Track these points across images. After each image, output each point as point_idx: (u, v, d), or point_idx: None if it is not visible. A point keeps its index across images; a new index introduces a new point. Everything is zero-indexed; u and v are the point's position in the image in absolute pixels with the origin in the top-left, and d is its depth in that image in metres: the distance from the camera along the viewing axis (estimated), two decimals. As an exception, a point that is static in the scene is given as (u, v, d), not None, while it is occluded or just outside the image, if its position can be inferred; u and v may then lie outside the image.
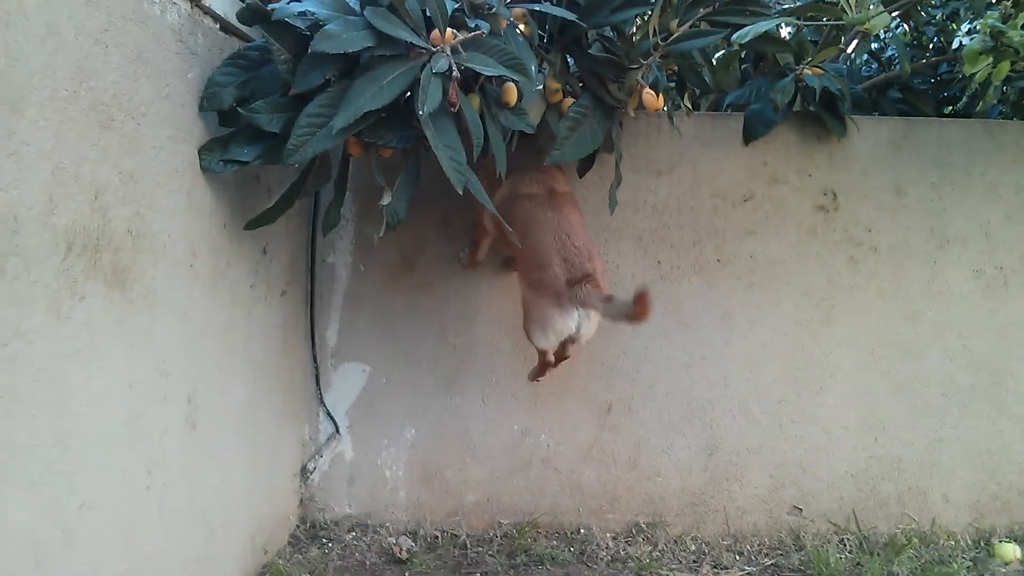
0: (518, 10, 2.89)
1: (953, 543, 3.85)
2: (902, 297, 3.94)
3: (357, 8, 2.47)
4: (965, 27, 3.59)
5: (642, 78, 3.12)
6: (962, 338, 3.95)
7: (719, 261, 3.93)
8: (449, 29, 2.51)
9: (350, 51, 2.39)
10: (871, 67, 5.33)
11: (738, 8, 3.12)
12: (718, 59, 3.96)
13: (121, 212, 2.22)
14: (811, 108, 3.82)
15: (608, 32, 3.15)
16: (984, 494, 3.99)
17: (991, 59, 3.26)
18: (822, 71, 3.75)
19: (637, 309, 3.01)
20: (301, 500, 3.97)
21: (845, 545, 3.86)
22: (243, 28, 2.79)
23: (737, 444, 3.97)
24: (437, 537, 3.87)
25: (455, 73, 2.43)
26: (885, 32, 5.08)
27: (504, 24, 2.69)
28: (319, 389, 3.95)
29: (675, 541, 3.86)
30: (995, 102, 4.02)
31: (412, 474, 3.99)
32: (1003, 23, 3.22)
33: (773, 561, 3.76)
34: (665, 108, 3.34)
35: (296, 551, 3.69)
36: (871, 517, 3.97)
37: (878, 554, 3.75)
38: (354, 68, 2.51)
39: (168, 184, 2.46)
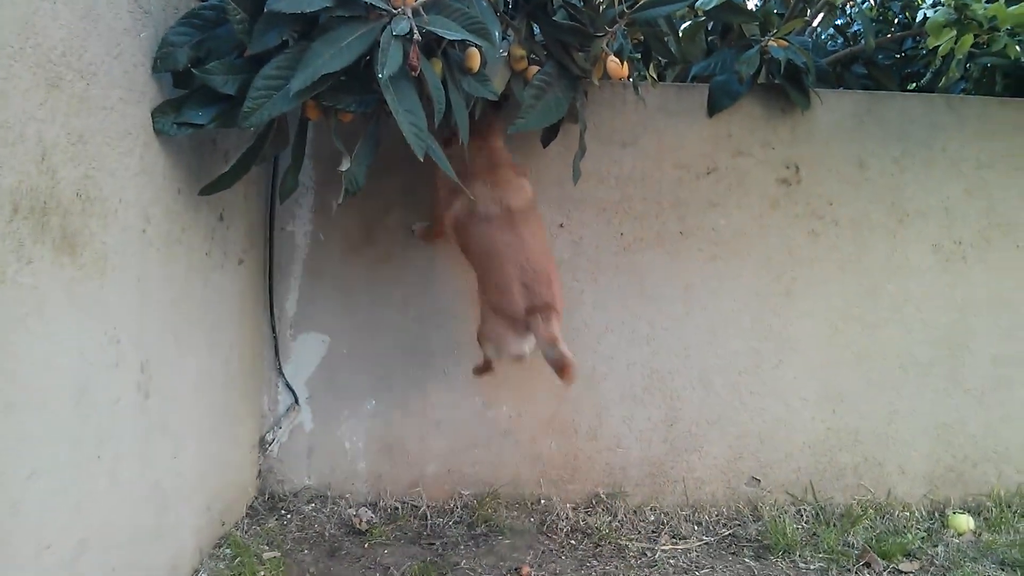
0: (482, -26, 2.83)
1: (908, 514, 3.91)
2: (862, 271, 3.97)
3: (316, -33, 2.40)
4: (930, 0, 3.59)
5: (607, 46, 3.09)
6: (921, 312, 3.99)
7: (682, 233, 3.93)
8: (411, -9, 2.46)
9: (308, 11, 2.33)
10: (836, 42, 5.34)
11: (704, -24, 3.09)
12: (684, 30, 3.94)
13: (70, 174, 2.15)
14: (776, 81, 3.81)
15: (573, -1, 3.11)
16: (939, 466, 4.06)
17: (955, 32, 3.27)
18: (787, 44, 3.74)
19: (561, 375, 3.12)
20: (259, 472, 3.92)
21: (802, 515, 3.90)
22: (198, -13, 2.71)
23: (697, 415, 3.99)
24: (397, 508, 3.86)
25: (416, 36, 2.37)
26: (851, 7, 5.09)
27: (467, -13, 2.64)
28: (278, 359, 3.90)
29: (634, 511, 3.88)
30: (959, 76, 4.04)
31: (372, 445, 3.96)
32: (967, -4, 3.23)
33: (731, 531, 3.79)
34: (631, 78, 3.30)
35: (254, 522, 3.65)
36: (828, 488, 4.02)
37: (834, 524, 3.80)
38: (312, 29, 2.44)
39: (120, 146, 2.39)
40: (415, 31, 2.36)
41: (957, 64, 3.81)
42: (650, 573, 3.38)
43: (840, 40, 5.33)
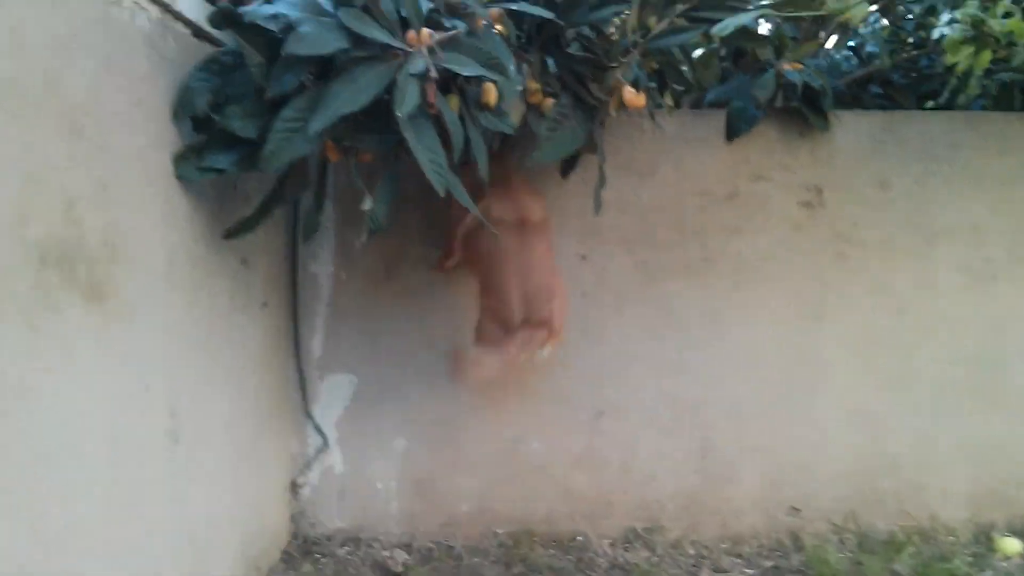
0: (495, 10, 2.84)
1: (953, 539, 3.82)
2: (892, 293, 3.92)
3: (330, 9, 2.42)
4: (945, 17, 3.57)
5: (622, 76, 3.10)
6: (953, 333, 3.93)
7: (705, 260, 3.91)
8: (425, 29, 2.48)
9: (324, 53, 2.35)
10: (851, 63, 5.33)
11: (717, 3, 3.09)
12: (698, 56, 3.94)
13: (95, 222, 2.17)
14: (793, 104, 3.80)
15: (587, 31, 3.12)
16: (981, 488, 3.97)
17: (973, 48, 3.25)
18: (803, 66, 3.74)
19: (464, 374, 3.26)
20: (292, 515, 3.90)
21: (844, 544, 3.82)
22: (215, 33, 2.74)
23: (730, 445, 3.93)
24: (432, 549, 3.82)
25: (432, 74, 2.39)
26: (864, 27, 5.08)
27: (481, 24, 2.66)
28: (306, 401, 3.89)
29: (673, 545, 3.81)
30: (978, 93, 4.01)
31: (404, 485, 3.94)
32: (983, 12, 3.22)
33: (773, 563, 3.71)
34: (646, 107, 3.31)
35: (289, 567, 3.63)
36: (869, 515, 3.94)
37: (878, 552, 3.71)
38: (329, 71, 2.47)
39: (143, 193, 2.41)
40: (431, 69, 2.39)
41: (976, 80, 3.79)
42: (691, 607, 3.32)
43: (855, 61, 5.32)
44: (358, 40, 2.39)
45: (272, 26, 2.43)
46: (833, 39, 4.82)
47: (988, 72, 4.09)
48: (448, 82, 2.66)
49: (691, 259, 3.90)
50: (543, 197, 3.47)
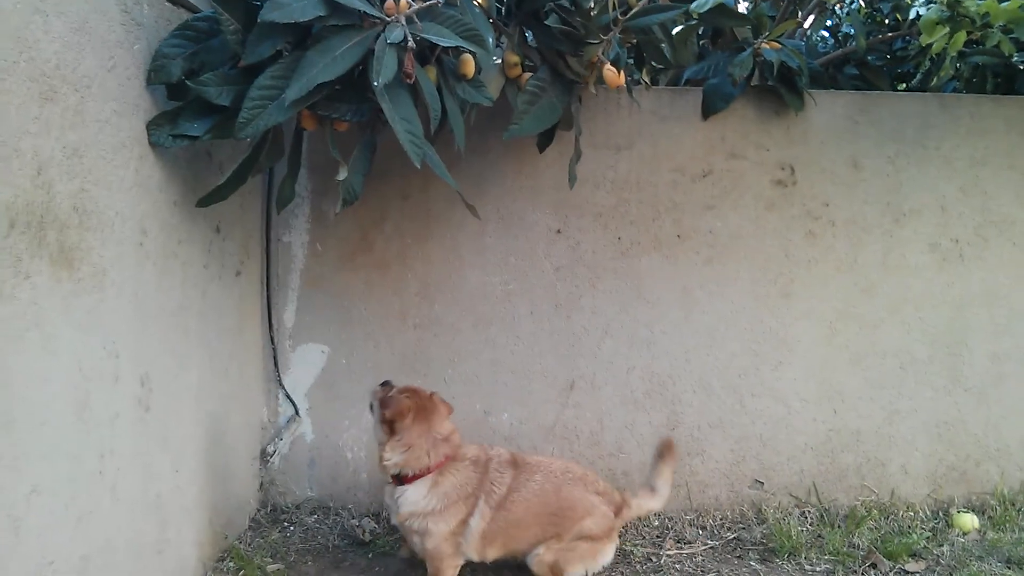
0: (474, -19, 2.83)
1: (912, 514, 3.90)
2: (859, 271, 3.97)
3: (308, -23, 2.40)
4: (921, -1, 3.60)
5: (603, 54, 3.09)
6: (919, 311, 3.99)
7: (679, 237, 3.93)
8: (403, -1, 2.46)
9: (301, 20, 2.32)
10: (827, 44, 5.36)
11: (696, -20, 3.10)
12: (676, 34, 3.94)
13: (66, 188, 2.15)
14: (769, 83, 3.82)
15: (567, 4, 3.11)
16: (942, 465, 4.05)
17: (948, 29, 3.27)
18: (780, 46, 3.75)
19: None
20: (261, 484, 3.91)
21: (806, 517, 3.89)
22: (191, -2, 2.71)
23: (698, 419, 3.99)
24: (400, 518, 3.83)
25: (410, 44, 2.37)
26: (841, 8, 5.11)
27: (460, -6, 2.64)
28: (277, 371, 3.89)
29: (638, 516, 3.86)
30: (952, 72, 4.05)
31: (374, 455, 3.92)
32: (959, -7, 3.24)
33: (735, 535, 3.78)
34: (624, 86, 3.31)
35: (257, 535, 3.63)
36: (831, 489, 4.01)
37: (839, 526, 3.79)
38: (306, 39, 2.45)
39: (115, 159, 2.38)
40: (409, 39, 2.37)
41: (951, 62, 3.82)
42: (655, 578, 3.37)
43: (831, 42, 5.35)
44: (336, 8, 2.37)
45: (249, -8, 2.41)
46: (810, 19, 4.83)
47: (961, 55, 4.13)
48: (426, 52, 2.64)
49: (664, 235, 3.92)
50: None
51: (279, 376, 3.90)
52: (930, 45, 3.59)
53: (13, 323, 1.95)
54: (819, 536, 3.70)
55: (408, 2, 2.46)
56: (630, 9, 3.04)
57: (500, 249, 3.91)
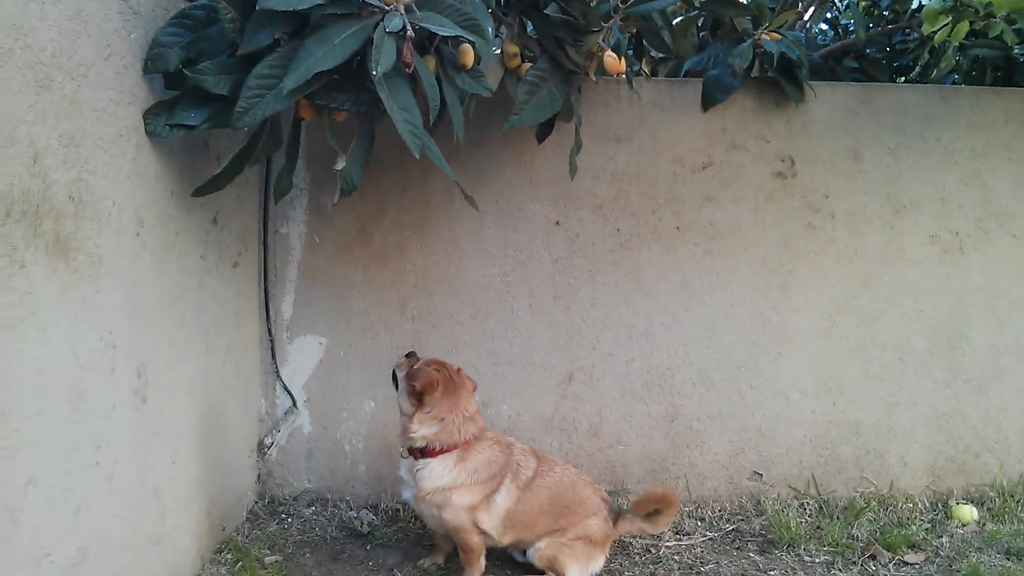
0: (474, -30, 2.81)
1: (911, 505, 3.90)
2: (859, 262, 3.96)
3: (307, -36, 2.38)
4: (923, -13, 3.58)
5: (603, 41, 3.07)
6: (918, 303, 3.98)
7: (678, 228, 3.92)
8: (403, -13, 2.43)
9: (299, 9, 2.30)
10: (827, 36, 5.35)
11: (697, -31, 3.08)
12: (677, 24, 3.92)
13: (62, 177, 2.13)
14: (769, 74, 3.81)
15: (565, -7, 3.09)
16: (941, 457, 4.05)
17: (950, 19, 3.25)
18: (781, 37, 3.73)
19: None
20: (259, 476, 3.90)
21: (805, 509, 3.89)
22: (188, -13, 2.68)
23: (697, 411, 3.98)
24: (398, 510, 3.83)
25: (409, 33, 2.35)
26: (841, 0, 5.10)
27: (459, -17, 2.62)
28: (275, 362, 3.88)
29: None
30: (953, 64, 4.03)
31: (372, 447, 3.94)
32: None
33: (734, 526, 3.78)
34: (624, 73, 3.29)
35: (255, 527, 3.63)
36: (830, 481, 4.01)
37: (838, 517, 3.79)
38: (304, 27, 2.42)
39: (112, 149, 2.37)
40: (408, 27, 2.35)
41: (952, 52, 3.80)
42: (655, 570, 3.36)
43: (831, 34, 5.34)
44: (334, -4, 2.35)
45: (247, -20, 2.39)
46: (810, 11, 4.82)
47: (960, 47, 4.12)
48: (425, 42, 2.62)
49: (664, 227, 3.91)
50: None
51: (277, 368, 3.89)
52: (930, 37, 3.58)
53: (8, 313, 1.93)
54: (818, 528, 3.70)
55: (407, -10, 2.44)
56: (630, -2, 3.02)
57: (499, 241, 3.89)
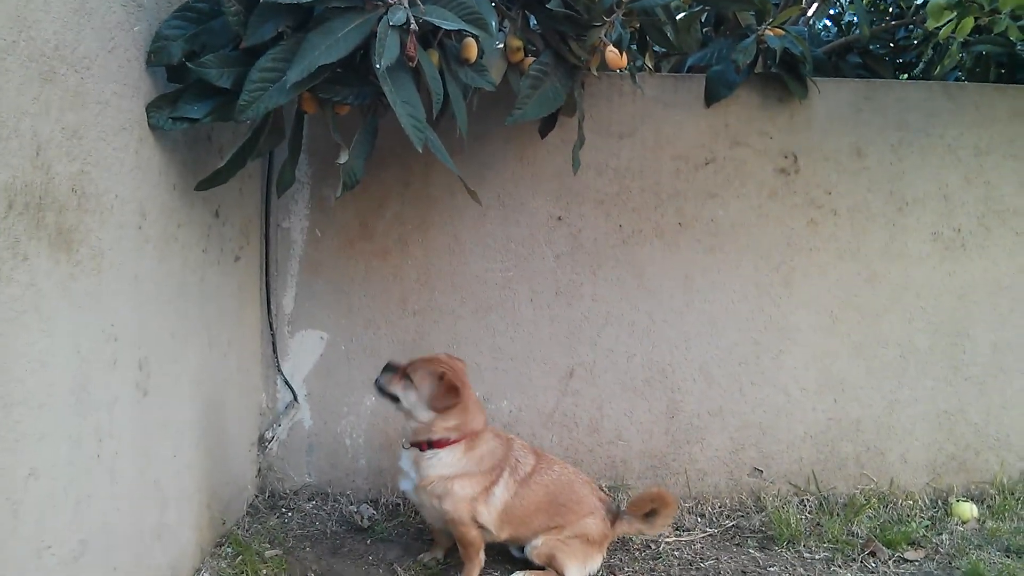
0: (477, -36, 2.80)
1: (911, 503, 3.90)
2: (861, 259, 3.96)
3: (310, -43, 2.37)
4: (928, -17, 3.57)
5: (605, 35, 3.07)
6: (920, 300, 3.98)
7: (680, 225, 3.91)
8: (406, -19, 2.43)
9: (303, 2, 2.31)
10: (831, 32, 5.34)
11: (700, -36, 3.07)
12: (680, 20, 3.91)
13: (65, 170, 2.13)
14: (773, 70, 3.79)
15: (569, -12, 3.08)
16: (941, 454, 4.05)
17: (955, 14, 3.24)
18: (784, 32, 3.72)
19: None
20: (259, 470, 3.90)
21: (805, 506, 3.89)
22: (191, -20, 2.67)
23: (698, 407, 3.98)
24: (399, 505, 3.83)
25: (413, 26, 2.35)
26: (844, -4, 5.09)
27: (463, -23, 2.61)
28: (276, 357, 3.88)
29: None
30: (958, 59, 4.02)
31: (372, 442, 3.94)
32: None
33: (734, 523, 3.78)
34: (627, 68, 3.29)
35: (255, 521, 3.63)
36: (830, 478, 4.01)
37: (838, 514, 3.79)
38: (308, 21, 2.42)
39: (114, 142, 2.36)
40: (412, 21, 2.34)
41: (957, 48, 3.79)
42: (655, 565, 3.37)
43: (835, 30, 5.33)
44: (338, -11, 2.34)
45: (250, -27, 2.38)
46: (814, 7, 4.81)
47: (964, 44, 4.11)
48: (428, 36, 2.62)
49: (666, 223, 3.90)
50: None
51: (278, 362, 3.89)
52: (934, 33, 3.57)
53: (12, 305, 1.93)
54: (818, 524, 3.70)
55: (411, -16, 2.43)
56: (634, -8, 3.01)
57: (501, 236, 3.89)
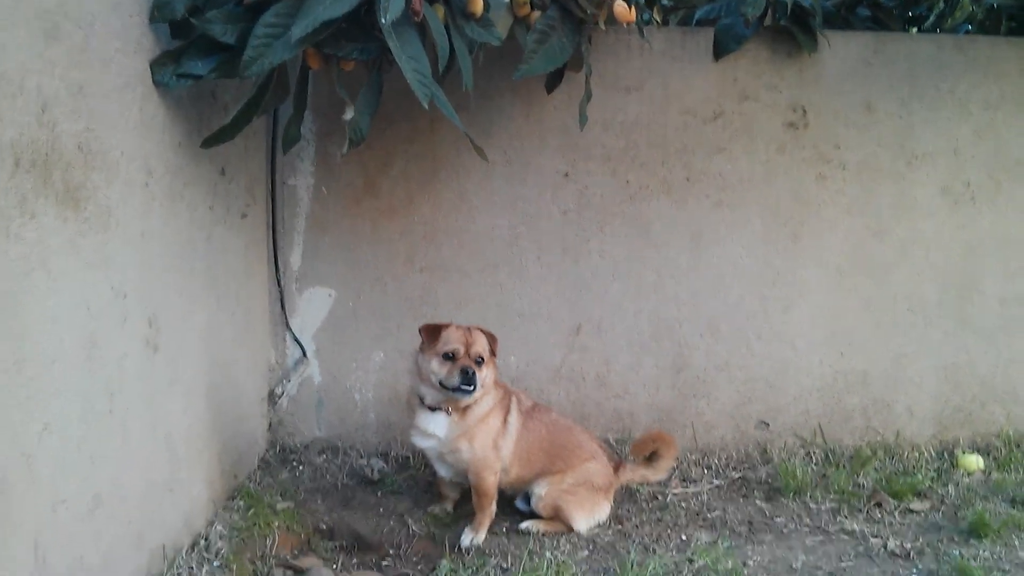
0: (484, -85, 2.76)
1: (917, 455, 3.93)
2: (870, 214, 3.94)
3: (314, -90, 2.34)
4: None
5: (613, -11, 3.03)
6: (929, 254, 3.97)
7: (688, 180, 3.90)
8: (411, -67, 2.40)
9: (307, -44, 2.28)
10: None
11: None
12: (688, -29, 3.88)
13: (71, 127, 2.12)
14: (782, 23, 3.75)
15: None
16: (948, 407, 4.07)
17: (966, -34, 3.20)
18: (794, -16, 3.67)
19: None
20: (270, 425, 3.94)
21: (811, 458, 3.92)
22: (193, -67, 2.64)
23: (705, 361, 4.00)
24: (408, 458, 3.88)
25: (418, -20, 2.33)
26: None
27: (468, -71, 2.58)
28: (284, 313, 3.90)
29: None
30: (969, 11, 3.96)
31: (381, 396, 3.98)
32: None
33: (741, 474, 3.81)
34: (634, 22, 3.25)
35: (267, 475, 3.68)
36: (837, 431, 4.04)
37: (844, 466, 3.82)
38: (312, -25, 2.39)
39: (119, 99, 2.36)
40: (417, -26, 2.32)
41: (968, 0, 3.74)
42: (662, 516, 3.40)
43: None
44: (342, -57, 2.32)
45: (253, -74, 2.36)
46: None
47: (975, -2, 4.06)
48: (433, -10, 2.60)
49: (674, 178, 3.89)
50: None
51: (286, 319, 3.91)
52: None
53: (21, 262, 1.94)
54: (824, 476, 3.73)
55: (415, -63, 2.40)
56: (641, -56, 2.97)
57: (507, 193, 3.88)
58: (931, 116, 3.91)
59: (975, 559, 2.98)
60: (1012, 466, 3.82)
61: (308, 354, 3.94)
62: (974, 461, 3.82)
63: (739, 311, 3.97)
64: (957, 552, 3.05)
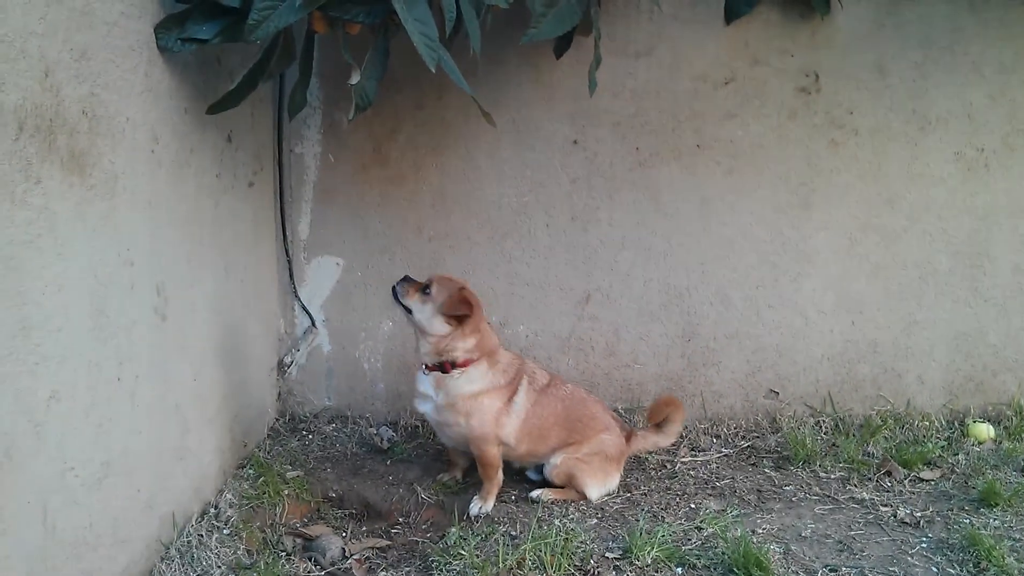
0: None
1: (928, 424, 3.91)
2: (882, 180, 3.89)
3: None
4: None
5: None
6: (941, 221, 3.92)
7: (698, 146, 3.86)
8: None
9: (311, -84, 2.24)
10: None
11: None
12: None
13: (75, 92, 2.10)
14: (794, -15, 3.69)
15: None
16: (959, 376, 4.04)
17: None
18: (806, -56, 3.61)
19: None
20: (279, 394, 3.95)
21: (821, 427, 3.91)
22: None
23: (714, 330, 3.98)
24: (417, 427, 3.88)
25: (424, -60, 2.29)
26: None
27: None
28: (293, 282, 3.89)
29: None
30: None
31: (390, 365, 3.98)
32: None
33: (750, 443, 3.81)
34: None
35: (276, 443, 3.69)
36: (847, 399, 4.02)
37: (854, 435, 3.80)
38: (317, -64, 2.36)
39: (123, 64, 2.33)
40: (423, -66, 2.28)
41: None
42: (671, 484, 3.40)
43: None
44: (346, -97, 2.28)
45: None
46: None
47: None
48: (440, -49, 2.55)
49: (684, 145, 3.85)
50: None
51: (295, 288, 3.90)
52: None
53: (26, 228, 1.92)
54: (834, 445, 3.72)
55: None
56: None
57: (516, 160, 3.85)
58: (945, 79, 3.84)
59: (985, 528, 2.96)
60: (1023, 435, 3.79)
61: (317, 323, 3.94)
62: (985, 430, 3.80)
63: (749, 279, 3.94)
64: (967, 521, 3.03)
